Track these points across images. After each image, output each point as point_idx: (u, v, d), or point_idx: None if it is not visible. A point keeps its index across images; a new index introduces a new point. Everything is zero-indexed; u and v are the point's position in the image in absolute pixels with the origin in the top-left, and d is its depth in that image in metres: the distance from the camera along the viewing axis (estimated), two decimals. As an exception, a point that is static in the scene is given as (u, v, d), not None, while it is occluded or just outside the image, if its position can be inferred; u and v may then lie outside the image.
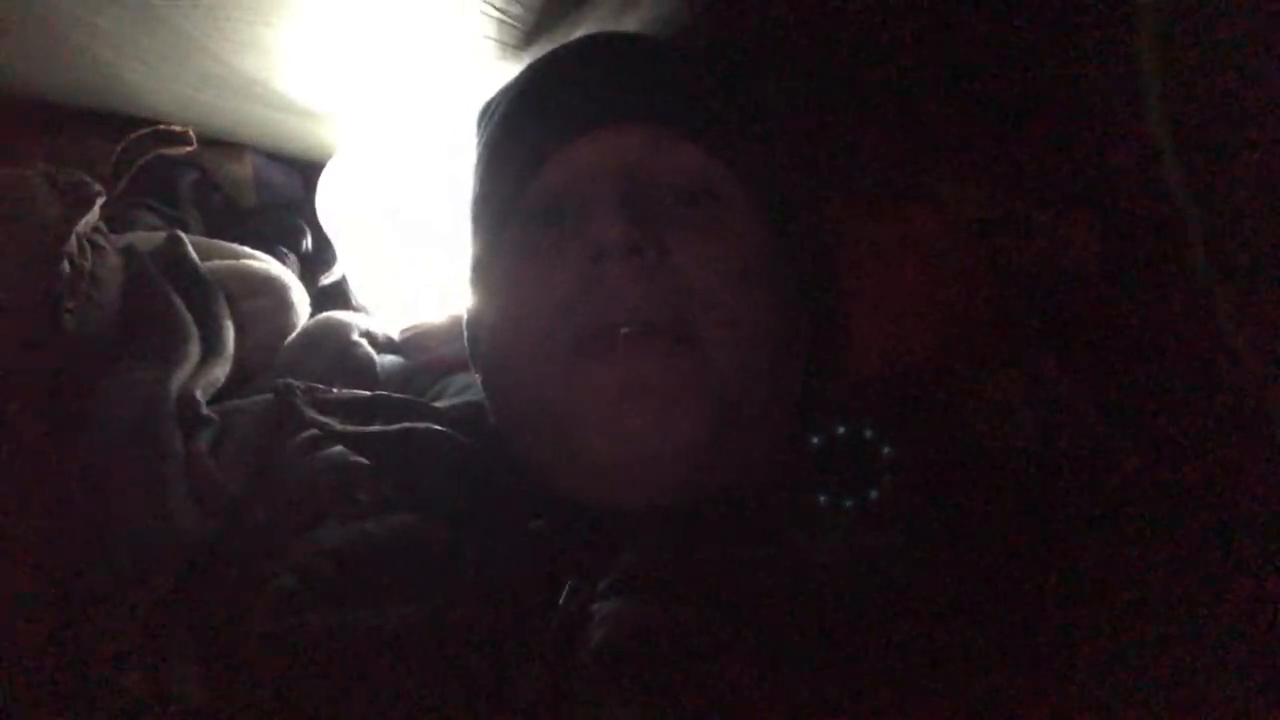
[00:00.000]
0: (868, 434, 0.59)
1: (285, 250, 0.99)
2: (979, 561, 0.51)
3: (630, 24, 0.81)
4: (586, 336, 0.56)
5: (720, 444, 0.57)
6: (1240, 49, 0.52)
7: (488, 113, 0.71)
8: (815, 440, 0.60)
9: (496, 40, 0.81)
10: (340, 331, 0.85)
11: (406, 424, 0.63)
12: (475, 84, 0.83)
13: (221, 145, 1.01)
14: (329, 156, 1.00)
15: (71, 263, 0.67)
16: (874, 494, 0.56)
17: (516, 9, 0.77)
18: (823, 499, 0.56)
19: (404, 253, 0.97)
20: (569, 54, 0.67)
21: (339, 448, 0.63)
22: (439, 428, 0.63)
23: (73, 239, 0.68)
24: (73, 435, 0.63)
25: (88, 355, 0.67)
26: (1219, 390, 0.60)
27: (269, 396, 0.68)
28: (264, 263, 0.88)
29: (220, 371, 0.73)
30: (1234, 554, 0.49)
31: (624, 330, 0.55)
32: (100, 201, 0.71)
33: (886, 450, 0.58)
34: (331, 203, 0.98)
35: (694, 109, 0.63)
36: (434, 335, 0.89)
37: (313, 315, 0.89)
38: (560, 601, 0.51)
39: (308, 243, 1.03)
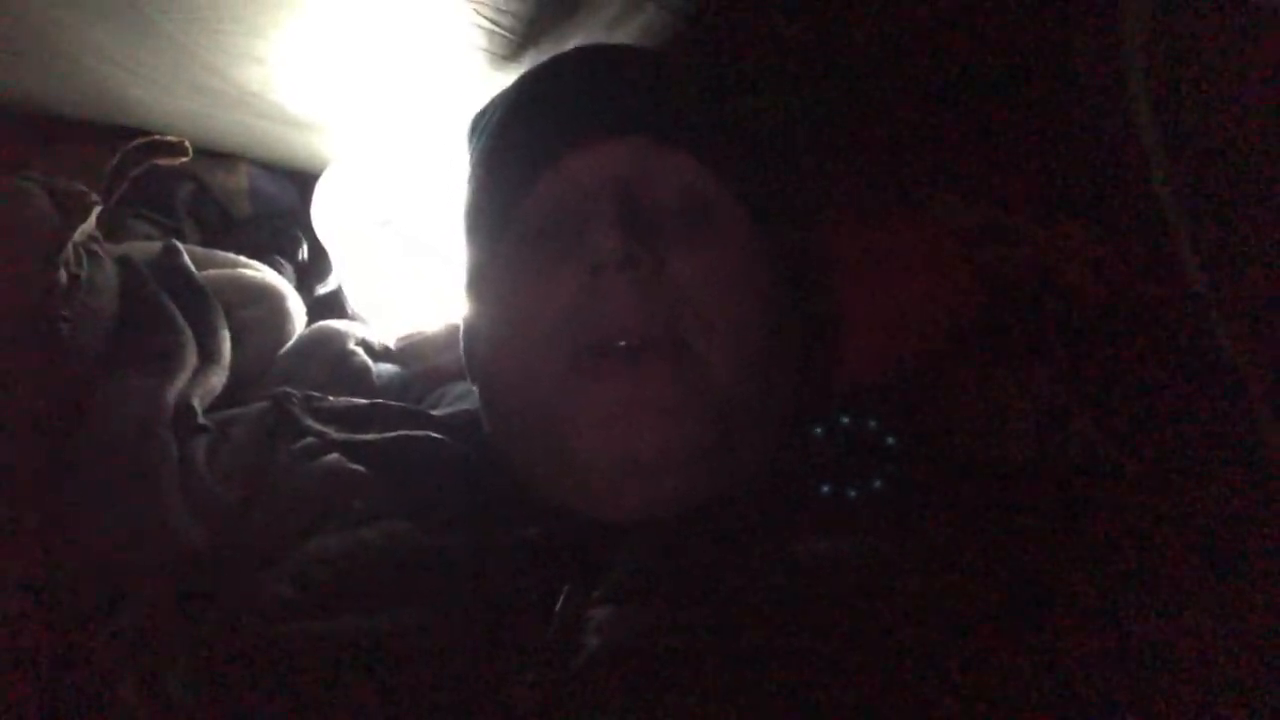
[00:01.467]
0: (871, 424, 0.59)
1: (281, 260, 0.99)
2: (977, 568, 0.51)
3: (622, 36, 0.82)
4: (584, 350, 0.56)
5: (719, 454, 0.57)
6: (1228, 57, 0.52)
7: (480, 123, 0.71)
8: (818, 429, 0.60)
9: (488, 51, 0.81)
10: (336, 340, 0.86)
11: (403, 432, 0.64)
12: (468, 95, 0.84)
13: (216, 156, 1.01)
14: (324, 167, 1.00)
15: (68, 271, 0.68)
16: (877, 484, 0.57)
17: (508, 21, 0.78)
18: (825, 489, 0.57)
19: (399, 262, 0.97)
20: (561, 66, 0.68)
21: (336, 456, 0.63)
22: (436, 436, 0.64)
23: (69, 248, 0.68)
24: (69, 443, 0.63)
25: (84, 364, 0.67)
26: (1212, 396, 0.61)
27: (266, 405, 0.69)
28: (260, 272, 0.88)
29: (217, 380, 0.73)
30: (1230, 558, 0.50)
31: (621, 344, 0.56)
32: (97, 211, 0.72)
33: (890, 439, 0.59)
34: (327, 213, 0.99)
35: (686, 121, 0.63)
36: (430, 344, 0.89)
37: (309, 325, 0.90)
38: (556, 609, 0.51)
39: (303, 252, 1.03)
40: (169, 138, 0.92)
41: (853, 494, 0.56)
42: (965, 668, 0.46)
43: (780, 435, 0.62)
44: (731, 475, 0.59)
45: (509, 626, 0.50)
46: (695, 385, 0.56)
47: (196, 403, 0.68)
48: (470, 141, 0.72)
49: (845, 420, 0.60)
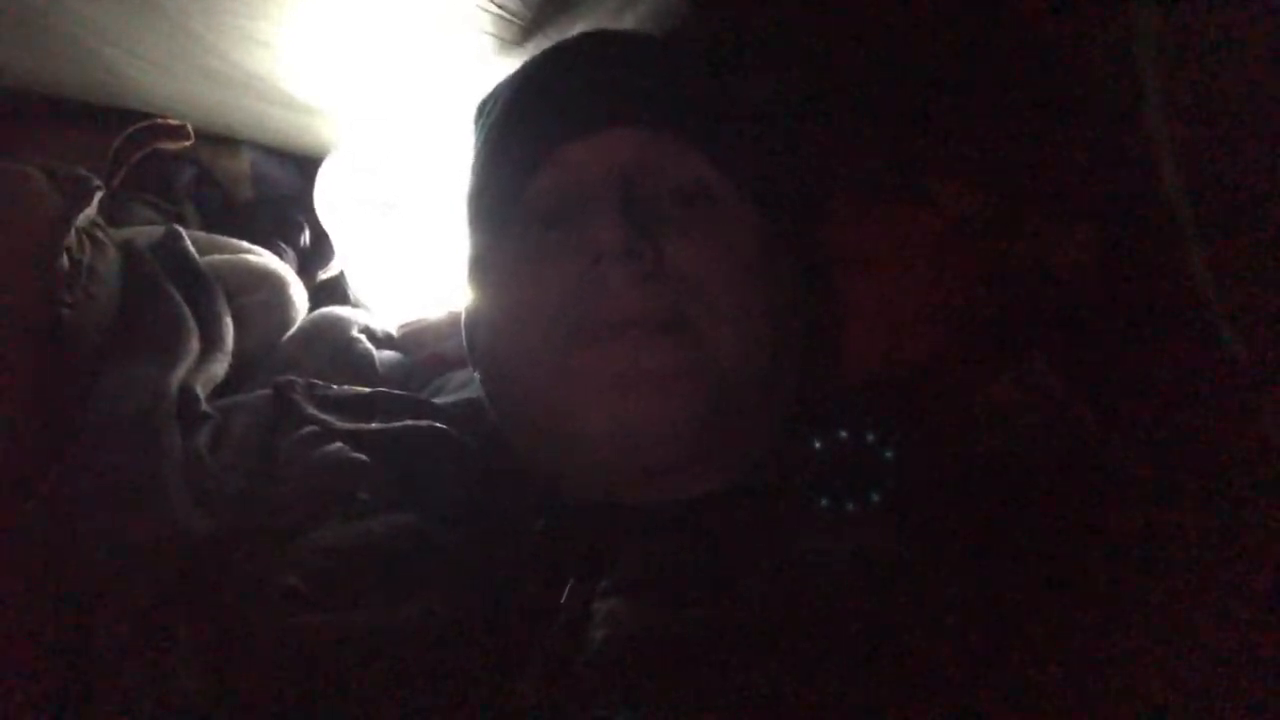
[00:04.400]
0: (869, 437, 0.59)
1: (283, 245, 0.99)
2: (977, 563, 0.51)
3: (628, 22, 0.81)
4: (583, 331, 0.56)
5: (718, 431, 0.57)
6: (1239, 54, 0.52)
7: (485, 109, 0.71)
8: (817, 444, 0.60)
9: (495, 36, 0.81)
10: (339, 327, 0.85)
11: (407, 421, 0.64)
12: (473, 80, 0.83)
13: (218, 140, 1.01)
14: (328, 152, 1.00)
15: (70, 257, 0.67)
16: (875, 498, 0.57)
17: (515, 5, 0.77)
18: (825, 502, 0.57)
19: (402, 248, 0.97)
20: (565, 53, 0.67)
21: (339, 445, 0.63)
22: (439, 425, 0.63)
23: (72, 233, 0.68)
24: (71, 431, 0.63)
25: (86, 350, 0.67)
26: (1214, 391, 0.61)
27: (269, 392, 0.68)
28: (262, 258, 0.88)
29: (219, 367, 0.73)
30: (1232, 552, 0.50)
31: (619, 320, 0.56)
32: (99, 196, 0.71)
33: (888, 454, 0.59)
34: (330, 198, 0.98)
35: (689, 111, 0.63)
36: (433, 331, 0.89)
37: (311, 310, 0.89)
38: (562, 600, 0.51)
39: (306, 238, 1.03)
40: (171, 121, 0.91)
41: (851, 508, 0.57)
42: (967, 665, 0.46)
43: (781, 425, 0.62)
44: (732, 459, 0.59)
45: (515, 618, 0.51)
46: (694, 359, 0.56)
47: (199, 389, 0.68)
48: (474, 128, 0.72)
49: (844, 434, 0.60)
